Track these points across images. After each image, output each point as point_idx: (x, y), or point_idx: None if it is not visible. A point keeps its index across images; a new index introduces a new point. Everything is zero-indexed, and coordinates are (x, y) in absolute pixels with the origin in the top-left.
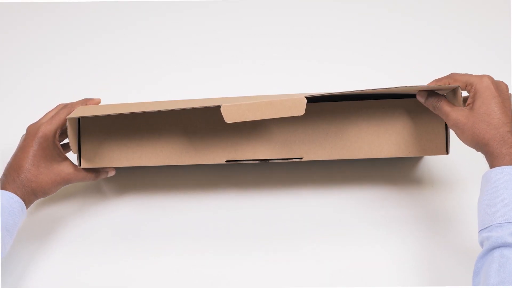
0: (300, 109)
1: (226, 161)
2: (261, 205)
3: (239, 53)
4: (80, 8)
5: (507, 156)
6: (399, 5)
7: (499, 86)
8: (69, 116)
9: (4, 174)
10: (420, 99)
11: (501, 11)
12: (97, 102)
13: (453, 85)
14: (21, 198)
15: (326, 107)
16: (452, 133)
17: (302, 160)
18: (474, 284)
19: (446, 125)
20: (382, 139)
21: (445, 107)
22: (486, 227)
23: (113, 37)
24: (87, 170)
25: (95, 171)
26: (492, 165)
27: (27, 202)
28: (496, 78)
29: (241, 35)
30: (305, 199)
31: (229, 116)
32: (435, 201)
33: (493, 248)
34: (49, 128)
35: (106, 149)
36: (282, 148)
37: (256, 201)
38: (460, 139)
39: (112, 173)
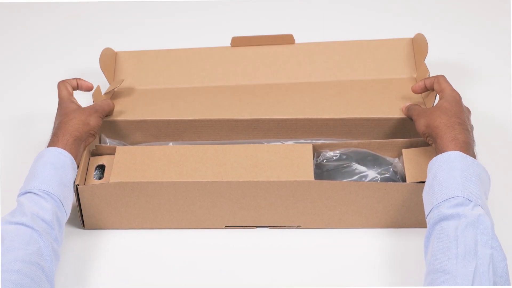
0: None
1: (225, 226)
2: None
3: None
4: (80, 8)
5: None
6: (400, 5)
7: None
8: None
9: (52, 134)
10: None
11: (501, 11)
12: (89, 86)
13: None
14: (69, 151)
15: (327, 184)
16: None
17: (300, 228)
18: (426, 264)
19: None
20: (381, 213)
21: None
22: (429, 212)
23: (113, 37)
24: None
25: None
26: (438, 153)
27: (75, 152)
28: (495, 78)
29: None
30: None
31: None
32: None
33: (434, 225)
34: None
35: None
36: (280, 217)
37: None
38: (416, 124)
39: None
